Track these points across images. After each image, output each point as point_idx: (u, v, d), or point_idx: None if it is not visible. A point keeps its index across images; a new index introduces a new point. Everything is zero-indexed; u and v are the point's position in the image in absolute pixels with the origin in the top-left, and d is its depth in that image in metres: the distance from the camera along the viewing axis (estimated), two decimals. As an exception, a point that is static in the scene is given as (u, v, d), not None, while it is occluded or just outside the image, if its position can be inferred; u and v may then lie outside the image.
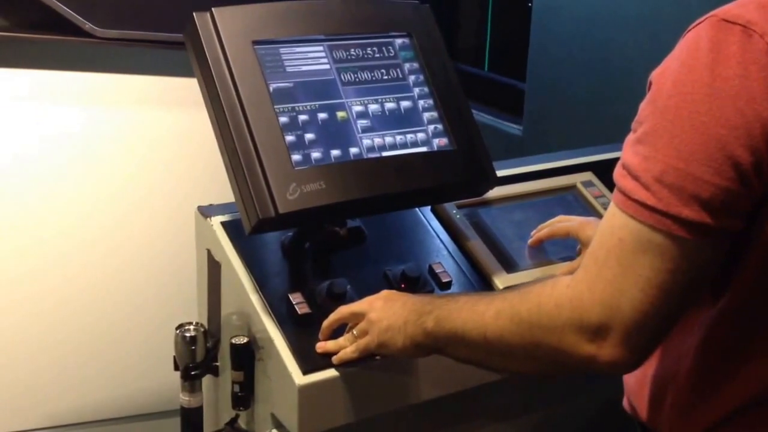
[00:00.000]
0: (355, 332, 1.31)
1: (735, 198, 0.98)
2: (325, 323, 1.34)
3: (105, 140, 2.21)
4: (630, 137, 1.05)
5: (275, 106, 1.36)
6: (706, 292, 1.09)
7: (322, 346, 1.34)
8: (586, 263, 1.05)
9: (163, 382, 2.18)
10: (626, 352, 1.03)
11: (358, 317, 1.31)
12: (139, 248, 2.26)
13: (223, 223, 1.47)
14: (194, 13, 1.37)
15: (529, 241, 1.58)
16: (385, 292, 1.31)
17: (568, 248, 1.57)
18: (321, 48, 1.44)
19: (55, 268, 2.19)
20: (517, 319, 1.10)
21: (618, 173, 1.04)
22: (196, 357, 1.47)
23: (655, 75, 1.04)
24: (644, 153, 1.01)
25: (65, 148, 2.18)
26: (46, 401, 2.22)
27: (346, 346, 1.32)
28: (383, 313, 1.27)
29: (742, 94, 0.96)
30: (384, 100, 1.46)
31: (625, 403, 1.26)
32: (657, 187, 0.99)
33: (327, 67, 1.44)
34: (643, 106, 1.04)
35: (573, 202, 1.70)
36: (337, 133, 1.40)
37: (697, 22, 1.03)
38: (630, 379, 1.24)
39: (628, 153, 1.03)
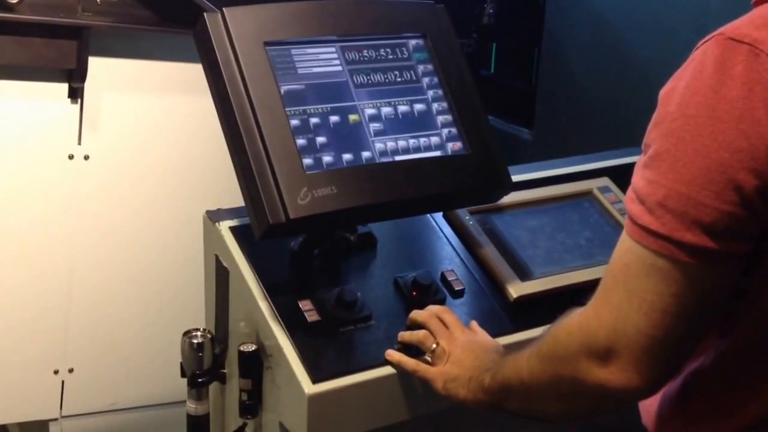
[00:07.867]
0: (428, 356, 1.31)
1: (738, 222, 0.97)
2: (413, 316, 1.34)
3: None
4: (639, 160, 1.05)
5: (286, 109, 1.34)
6: (718, 316, 1.07)
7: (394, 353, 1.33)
8: (597, 290, 1.06)
9: (169, 388, 2.17)
10: (637, 377, 1.03)
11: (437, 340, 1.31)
12: (145, 253, 2.24)
13: (232, 228, 1.45)
14: (204, 13, 1.35)
15: None
16: (464, 340, 1.30)
17: (584, 256, 1.55)
18: (333, 49, 1.42)
19: (61, 273, 2.17)
20: (541, 355, 1.12)
21: (627, 197, 1.05)
22: (203, 364, 1.46)
23: (662, 94, 1.03)
24: (649, 177, 1.01)
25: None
26: (57, 399, 2.22)
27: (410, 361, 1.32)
28: (456, 364, 1.28)
29: (746, 117, 0.95)
30: (397, 103, 1.44)
31: (642, 418, 1.25)
32: (660, 211, 0.98)
33: (339, 68, 1.41)
34: (650, 128, 1.03)
35: (589, 208, 1.67)
36: (349, 136, 1.38)
37: (705, 39, 1.02)
38: None
39: (637, 176, 1.04)
